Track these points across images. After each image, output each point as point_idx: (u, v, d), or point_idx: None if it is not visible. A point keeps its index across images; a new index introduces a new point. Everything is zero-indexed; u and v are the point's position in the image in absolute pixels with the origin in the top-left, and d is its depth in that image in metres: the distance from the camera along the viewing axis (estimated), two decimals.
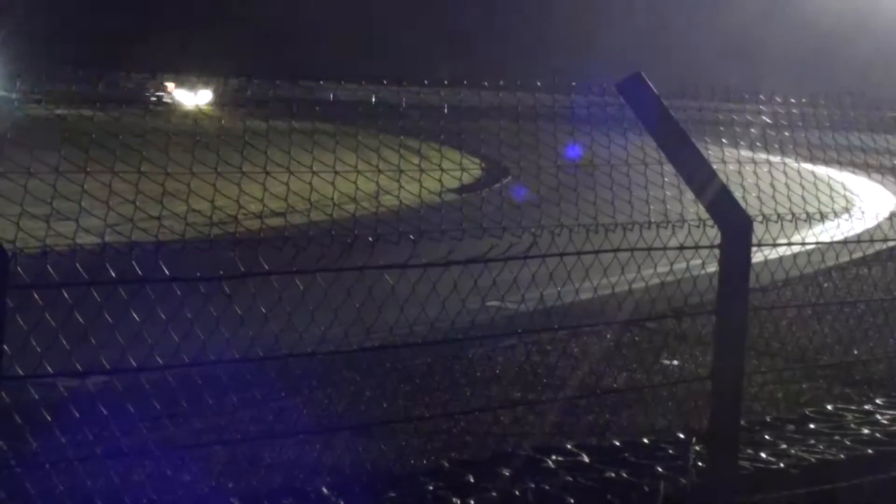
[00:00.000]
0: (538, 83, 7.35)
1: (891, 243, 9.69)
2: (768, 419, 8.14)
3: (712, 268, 6.98)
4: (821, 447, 7.56)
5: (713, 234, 6.90)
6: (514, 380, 8.82)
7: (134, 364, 5.92)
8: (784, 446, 7.53)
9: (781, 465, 7.22)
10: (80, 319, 5.93)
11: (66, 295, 5.68)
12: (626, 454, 7.23)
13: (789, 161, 8.35)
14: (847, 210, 9.39)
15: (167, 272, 5.75)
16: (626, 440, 7.52)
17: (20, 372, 5.63)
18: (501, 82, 7.15)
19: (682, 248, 7.14)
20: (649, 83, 6.60)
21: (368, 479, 6.62)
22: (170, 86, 10.33)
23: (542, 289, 6.94)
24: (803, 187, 8.15)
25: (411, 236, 6.29)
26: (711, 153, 7.59)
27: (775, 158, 8.34)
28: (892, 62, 59.41)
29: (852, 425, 8.04)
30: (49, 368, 5.70)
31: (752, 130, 8.34)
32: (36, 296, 5.62)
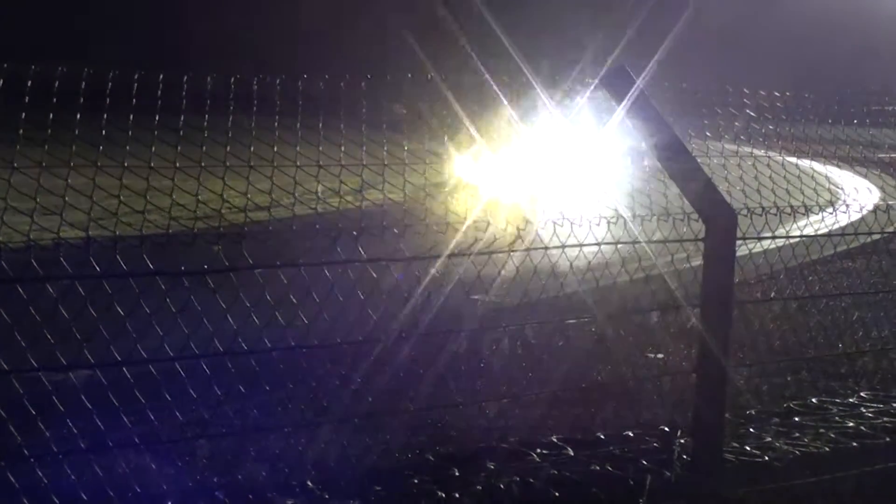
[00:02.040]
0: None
1: (875, 236, 9.69)
2: (753, 412, 8.15)
3: (697, 261, 6.99)
4: (805, 440, 7.58)
5: (698, 227, 6.90)
6: (499, 373, 8.81)
7: (118, 358, 5.92)
8: (769, 439, 7.55)
9: (766, 457, 7.24)
10: (65, 313, 5.93)
11: (50, 289, 5.68)
12: (611, 447, 7.25)
13: (773, 154, 8.36)
14: (831, 203, 9.41)
15: (151, 266, 5.75)
16: (610, 433, 7.53)
17: (4, 366, 5.63)
18: (487, 76, 7.15)
19: (666, 241, 7.15)
20: (633, 76, 6.60)
21: (353, 472, 6.61)
22: None
23: (527, 282, 6.94)
24: (788, 181, 8.16)
25: (395, 230, 6.28)
26: (695, 146, 7.60)
27: (759, 152, 8.35)
28: (879, 56, 59.49)
29: (837, 418, 8.06)
30: (33, 362, 5.70)
31: (737, 124, 8.34)
32: (20, 290, 5.61)
